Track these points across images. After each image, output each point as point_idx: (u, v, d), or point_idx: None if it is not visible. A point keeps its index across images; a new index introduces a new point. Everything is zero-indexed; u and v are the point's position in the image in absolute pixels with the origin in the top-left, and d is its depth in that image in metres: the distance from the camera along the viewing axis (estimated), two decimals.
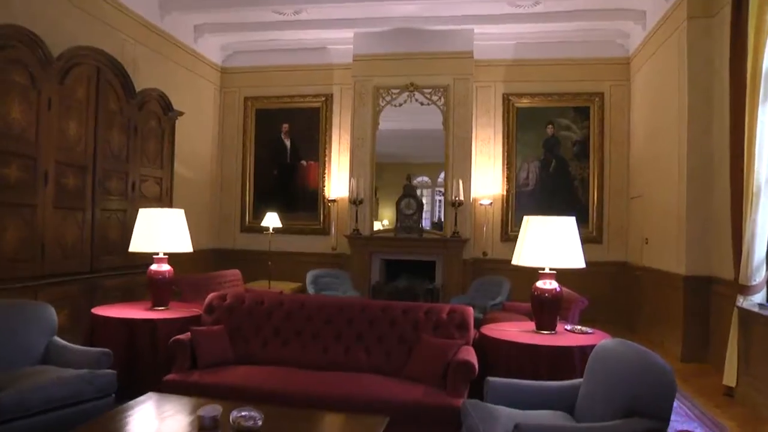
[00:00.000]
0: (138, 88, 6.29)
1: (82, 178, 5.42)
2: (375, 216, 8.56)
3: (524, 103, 8.51)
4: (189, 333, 3.94)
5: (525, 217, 3.84)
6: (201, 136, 8.73)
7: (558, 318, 3.93)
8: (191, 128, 8.18)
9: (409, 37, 8.26)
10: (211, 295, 4.37)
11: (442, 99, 8.26)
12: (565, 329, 3.97)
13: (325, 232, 8.92)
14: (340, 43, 8.64)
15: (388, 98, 8.35)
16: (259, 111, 9.26)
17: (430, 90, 8.28)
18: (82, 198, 5.41)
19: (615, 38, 8.14)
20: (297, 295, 4.26)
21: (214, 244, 9.13)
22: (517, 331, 3.94)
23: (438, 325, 3.93)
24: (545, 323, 3.84)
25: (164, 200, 6.73)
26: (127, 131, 6.09)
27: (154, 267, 4.57)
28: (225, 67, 9.26)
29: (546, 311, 3.82)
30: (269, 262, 8.21)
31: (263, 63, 9.14)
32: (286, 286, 8.08)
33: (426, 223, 8.44)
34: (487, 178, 8.55)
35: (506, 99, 8.56)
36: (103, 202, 5.66)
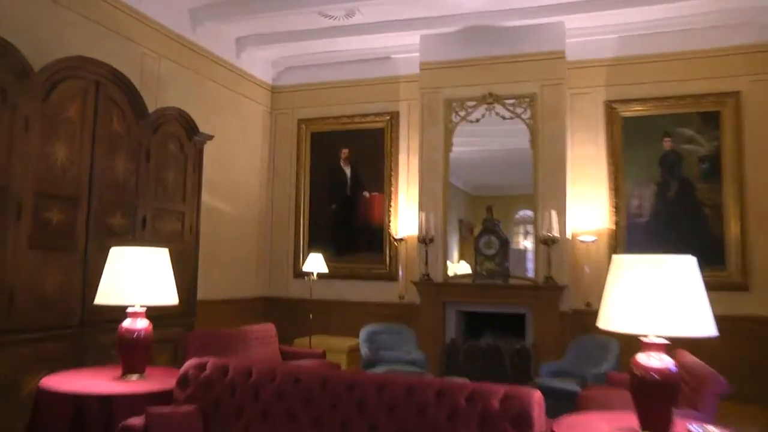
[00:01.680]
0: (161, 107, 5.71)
1: (72, 213, 4.83)
2: (449, 257, 7.50)
3: (633, 111, 7.21)
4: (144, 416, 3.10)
5: (614, 258, 2.70)
6: (246, 165, 8.19)
7: (675, 409, 2.71)
8: (233, 155, 7.64)
9: (485, 37, 7.29)
10: (187, 364, 3.53)
11: (528, 111, 7.18)
12: (689, 431, 2.74)
13: (391, 277, 7.99)
14: (406, 50, 7.83)
15: (462, 113, 7.41)
16: (315, 134, 8.61)
17: (513, 101, 7.24)
18: (70, 236, 4.81)
19: (756, 18, 6.66)
20: (291, 366, 3.37)
21: (264, 291, 8.44)
22: (610, 430, 2.76)
23: (485, 418, 2.83)
24: (652, 420, 2.64)
25: (187, 239, 6.09)
26: (136, 157, 5.51)
27: (126, 323, 3.80)
28: (276, 86, 8.71)
29: (654, 402, 2.63)
30: (310, 315, 7.35)
31: (319, 79, 8.51)
32: (339, 344, 7.19)
33: (516, 266, 7.27)
34: (587, 209, 7.28)
35: (609, 107, 7.31)
36: (101, 240, 5.04)
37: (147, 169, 5.62)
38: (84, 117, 4.94)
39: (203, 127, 6.27)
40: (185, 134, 6.12)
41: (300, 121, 8.61)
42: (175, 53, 6.69)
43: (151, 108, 5.69)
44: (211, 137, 6.39)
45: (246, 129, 8.12)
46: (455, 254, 7.75)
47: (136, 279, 3.74)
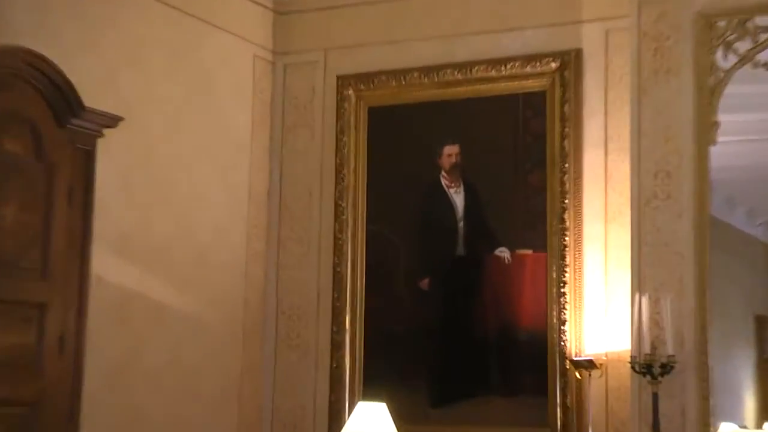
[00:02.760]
0: None
1: None
2: (723, 412, 3.86)
3: None
4: None
5: None
6: (217, 193, 4.41)
7: None
8: (183, 168, 4.18)
9: None
10: None
11: None
12: None
13: None
14: None
15: (744, 45, 3.79)
16: (378, 112, 4.46)
17: None
18: None
19: None
20: None
21: None
22: None
23: None
24: None
25: (51, 373, 3.19)
26: None
27: None
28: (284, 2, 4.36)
29: None
30: None
31: None
32: None
33: None
34: None
35: None
36: None
37: None
38: None
39: (103, 98, 3.48)
40: (49, 114, 3.16)
41: (341, 81, 4.41)
42: None
43: None
44: (117, 121, 3.38)
45: (215, 102, 4.36)
46: (746, 403, 4.21)
47: None
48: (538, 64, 4.05)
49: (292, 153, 4.50)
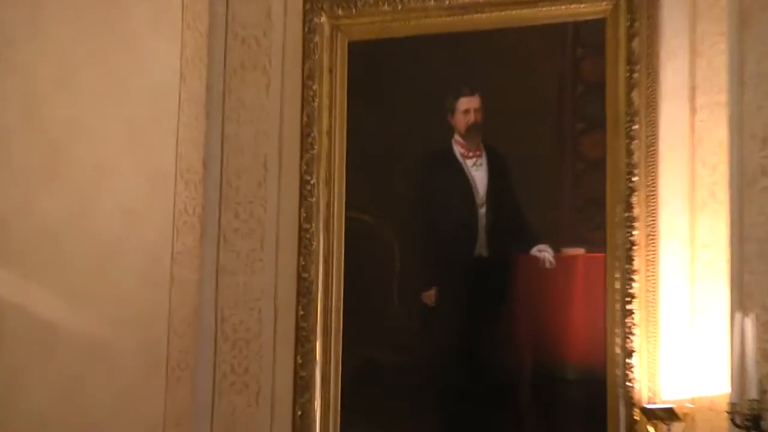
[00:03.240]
0: None
1: None
2: None
3: None
4: None
5: None
6: (118, 152, 3.57)
7: None
8: (80, 118, 3.49)
9: None
10: None
11: None
12: None
13: None
14: None
15: None
16: (364, 48, 3.53)
17: None
18: None
19: None
20: None
21: None
22: None
23: None
24: None
25: None
26: None
27: None
28: None
29: None
30: None
31: None
32: None
33: None
34: None
35: None
36: None
37: None
38: None
39: None
40: None
41: (311, 4, 3.55)
42: None
43: None
44: None
45: (126, 37, 3.61)
46: None
47: None
48: None
49: (239, 108, 3.60)
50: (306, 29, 3.41)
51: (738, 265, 2.78)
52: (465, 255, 3.22)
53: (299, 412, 3.27)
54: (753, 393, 2.57)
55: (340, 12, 3.34)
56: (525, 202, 3.21)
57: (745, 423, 2.49)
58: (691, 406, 2.95)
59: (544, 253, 3.10)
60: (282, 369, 3.30)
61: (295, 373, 3.29)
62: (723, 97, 2.93)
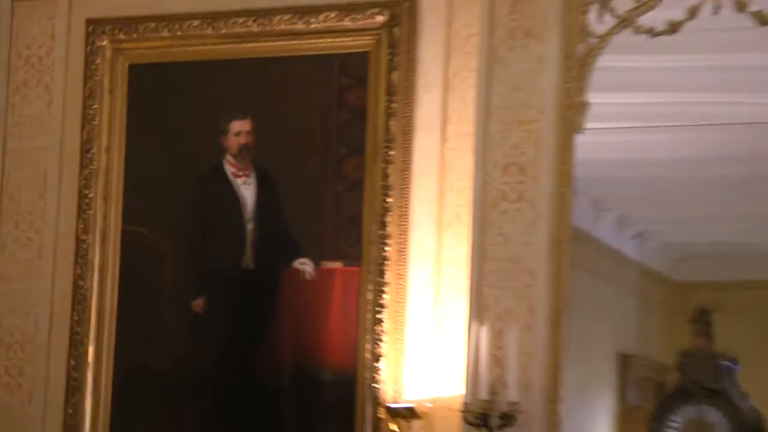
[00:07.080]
0: None
1: None
2: None
3: None
4: None
5: None
6: None
7: None
8: None
9: None
10: None
11: None
12: None
13: None
14: None
15: (624, 3, 3.38)
16: (141, 71, 3.76)
17: None
18: None
19: None
20: None
21: None
22: None
23: None
24: None
25: None
26: None
27: None
28: None
29: None
30: None
31: None
32: None
33: None
34: None
35: None
36: None
37: None
38: None
39: None
40: None
41: (93, 27, 3.73)
42: None
43: None
44: None
45: None
46: None
47: None
48: (359, 16, 3.40)
49: (21, 123, 3.74)
50: (88, 51, 3.54)
51: (477, 280, 3.11)
52: (233, 267, 3.41)
53: (70, 411, 3.41)
54: (484, 394, 2.93)
55: (121, 36, 3.49)
56: (291, 218, 3.41)
57: (476, 421, 2.86)
58: (430, 405, 3.19)
59: (305, 266, 3.29)
60: (56, 371, 3.44)
61: (68, 374, 3.43)
62: (471, 128, 3.20)
